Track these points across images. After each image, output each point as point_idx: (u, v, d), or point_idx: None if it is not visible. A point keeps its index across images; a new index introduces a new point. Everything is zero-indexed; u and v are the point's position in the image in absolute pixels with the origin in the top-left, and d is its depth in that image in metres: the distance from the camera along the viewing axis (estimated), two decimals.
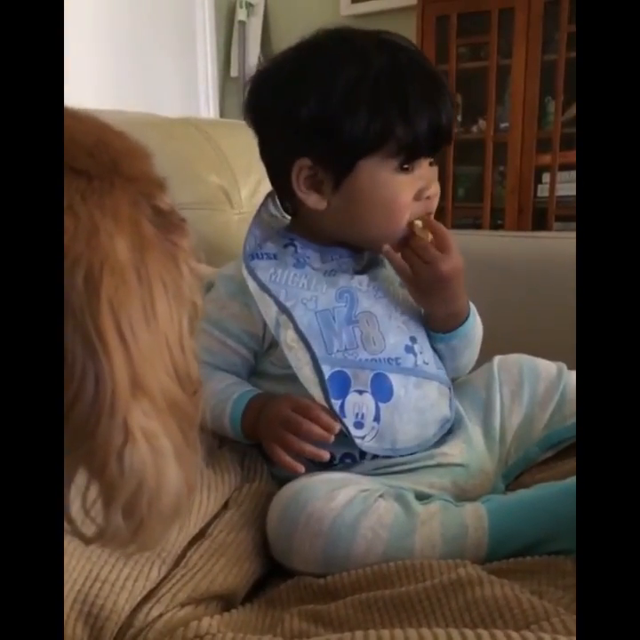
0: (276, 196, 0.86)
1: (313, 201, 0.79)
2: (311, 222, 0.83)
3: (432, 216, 0.81)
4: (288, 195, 0.82)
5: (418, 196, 0.78)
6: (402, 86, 0.74)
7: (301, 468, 0.73)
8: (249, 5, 3.14)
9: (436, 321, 0.84)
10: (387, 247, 0.80)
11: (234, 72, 3.17)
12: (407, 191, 0.77)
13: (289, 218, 0.87)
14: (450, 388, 0.84)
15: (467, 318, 0.85)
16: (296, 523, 0.68)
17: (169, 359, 0.34)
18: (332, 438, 0.73)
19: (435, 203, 0.80)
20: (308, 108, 0.75)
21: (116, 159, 0.34)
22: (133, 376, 0.31)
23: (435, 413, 0.81)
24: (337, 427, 0.73)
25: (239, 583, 0.67)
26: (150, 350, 0.32)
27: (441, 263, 0.78)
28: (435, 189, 0.79)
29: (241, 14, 3.14)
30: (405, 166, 0.76)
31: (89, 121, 0.35)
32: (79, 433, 0.31)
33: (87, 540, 0.34)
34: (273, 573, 0.72)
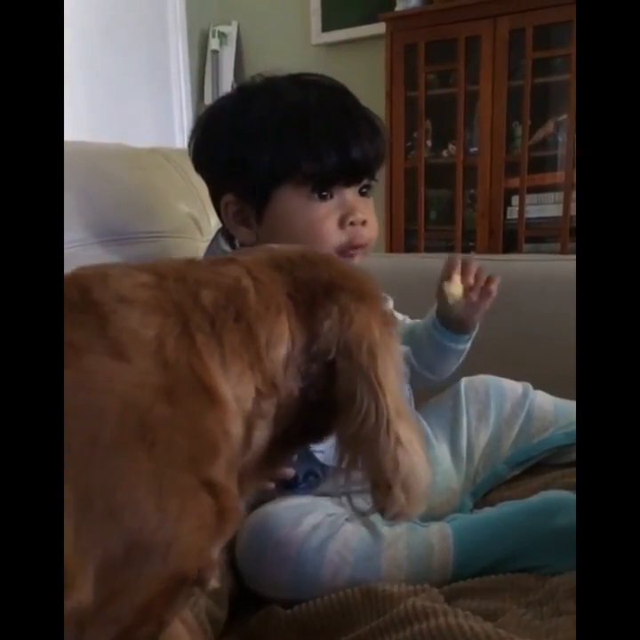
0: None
1: (242, 234, 0.82)
2: None
3: (368, 247, 0.82)
4: (227, 231, 0.86)
5: (341, 224, 0.79)
6: (306, 120, 0.77)
7: (270, 484, 0.74)
8: (222, 35, 3.19)
9: (453, 321, 0.87)
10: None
11: (208, 100, 3.21)
12: (328, 218, 0.79)
13: None
14: (410, 403, 0.87)
15: (470, 333, 0.90)
16: (264, 550, 0.68)
17: (400, 398, 0.51)
18: (295, 456, 0.74)
19: (366, 233, 0.81)
20: (223, 146, 0.79)
21: (364, 286, 0.54)
22: (396, 407, 0.49)
23: None
24: None
25: (217, 603, 0.66)
26: (397, 393, 0.51)
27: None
28: (361, 217, 0.80)
29: (214, 44, 3.18)
30: (323, 194, 0.78)
31: (351, 268, 0.57)
32: (365, 445, 0.49)
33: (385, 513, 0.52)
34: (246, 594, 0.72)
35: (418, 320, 0.95)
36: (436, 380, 0.94)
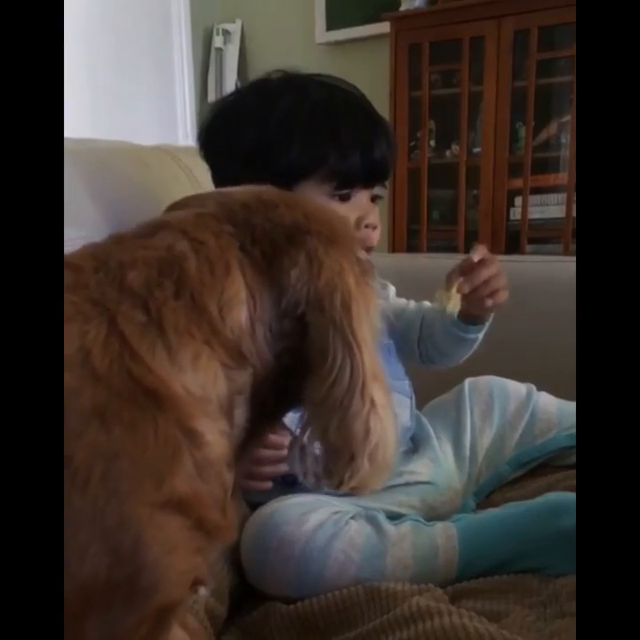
0: None
1: None
2: None
3: (371, 250, 0.82)
4: None
5: (357, 225, 0.80)
6: (335, 118, 0.78)
7: (268, 485, 0.74)
8: (226, 33, 3.18)
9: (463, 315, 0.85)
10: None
11: (211, 98, 3.20)
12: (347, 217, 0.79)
13: None
14: (411, 399, 0.87)
15: (484, 324, 0.88)
16: (268, 547, 0.68)
17: (376, 357, 0.47)
18: (285, 452, 0.73)
19: (374, 236, 0.82)
20: (248, 136, 0.79)
21: (335, 227, 0.48)
22: (371, 367, 0.45)
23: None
24: (285, 440, 0.73)
25: (217, 599, 0.66)
26: (374, 351, 0.46)
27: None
28: (373, 220, 0.81)
29: (218, 41, 3.18)
30: (342, 193, 0.79)
31: (320, 207, 0.52)
32: (334, 407, 0.44)
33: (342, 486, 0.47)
34: (249, 590, 0.72)
35: (425, 302, 0.94)
36: (446, 365, 0.93)
